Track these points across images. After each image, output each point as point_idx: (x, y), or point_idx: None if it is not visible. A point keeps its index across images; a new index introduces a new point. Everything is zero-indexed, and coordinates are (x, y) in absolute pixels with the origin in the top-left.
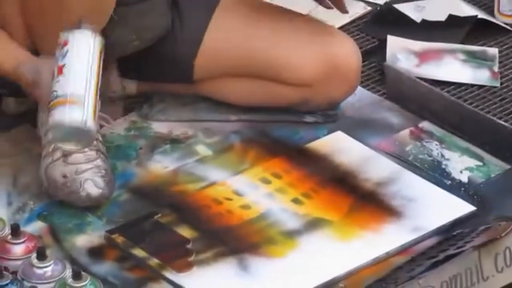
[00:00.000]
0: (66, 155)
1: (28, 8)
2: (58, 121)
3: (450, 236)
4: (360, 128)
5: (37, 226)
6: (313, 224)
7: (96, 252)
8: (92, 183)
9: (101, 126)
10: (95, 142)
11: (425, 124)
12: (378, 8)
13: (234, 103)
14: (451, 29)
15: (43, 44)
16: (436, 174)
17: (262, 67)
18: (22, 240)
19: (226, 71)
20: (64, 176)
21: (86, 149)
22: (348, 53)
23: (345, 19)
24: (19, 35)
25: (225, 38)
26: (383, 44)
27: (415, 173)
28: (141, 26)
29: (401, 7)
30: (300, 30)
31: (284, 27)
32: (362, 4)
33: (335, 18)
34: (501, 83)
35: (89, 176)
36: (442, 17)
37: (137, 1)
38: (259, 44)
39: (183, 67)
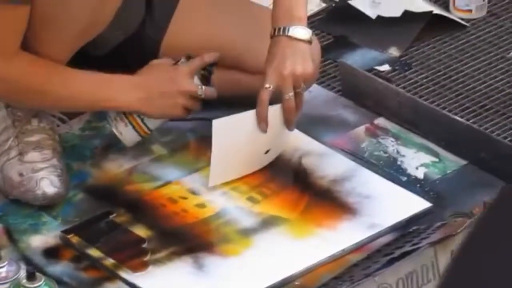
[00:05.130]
0: (22, 153)
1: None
2: None
3: (406, 232)
4: (315, 125)
5: None
6: (269, 222)
7: (51, 253)
8: (48, 182)
9: (57, 126)
10: (50, 142)
11: (381, 121)
12: (334, 5)
13: None
14: (407, 25)
15: (44, 49)
16: (391, 170)
17: (225, 54)
18: None
19: None
20: (21, 175)
21: (43, 148)
22: None
23: None
24: None
25: (189, 26)
26: (338, 41)
27: (371, 169)
28: (126, 20)
29: (357, 3)
30: (262, 19)
31: (246, 16)
32: (317, 1)
33: None
34: (457, 79)
35: (45, 174)
36: (398, 13)
37: None
38: (222, 31)
39: (149, 53)
